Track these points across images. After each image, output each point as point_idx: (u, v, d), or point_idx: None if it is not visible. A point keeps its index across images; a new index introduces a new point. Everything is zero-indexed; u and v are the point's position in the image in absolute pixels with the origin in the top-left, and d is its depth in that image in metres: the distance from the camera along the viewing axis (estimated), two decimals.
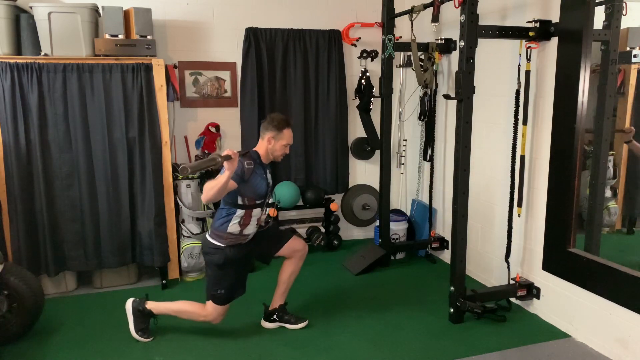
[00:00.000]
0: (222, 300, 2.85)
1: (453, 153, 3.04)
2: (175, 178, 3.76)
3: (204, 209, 3.87)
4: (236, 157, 2.49)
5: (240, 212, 2.77)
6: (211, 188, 2.50)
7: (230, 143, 4.35)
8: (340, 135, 4.58)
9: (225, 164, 2.46)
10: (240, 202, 2.76)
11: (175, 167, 3.85)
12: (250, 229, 2.84)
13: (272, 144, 2.81)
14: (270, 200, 2.94)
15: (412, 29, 3.65)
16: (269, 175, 2.92)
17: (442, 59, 4.10)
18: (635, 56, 2.86)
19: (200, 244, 3.79)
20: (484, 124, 3.61)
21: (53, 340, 2.97)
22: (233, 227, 2.78)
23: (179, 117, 4.17)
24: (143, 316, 2.96)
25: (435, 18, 3.32)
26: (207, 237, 2.84)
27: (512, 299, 3.29)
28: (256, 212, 2.82)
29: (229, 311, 3.05)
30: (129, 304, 2.98)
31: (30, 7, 3.40)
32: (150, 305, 2.96)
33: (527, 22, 2.99)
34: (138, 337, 2.94)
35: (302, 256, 3.06)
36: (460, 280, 3.09)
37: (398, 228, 4.37)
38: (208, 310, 2.88)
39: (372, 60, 4.56)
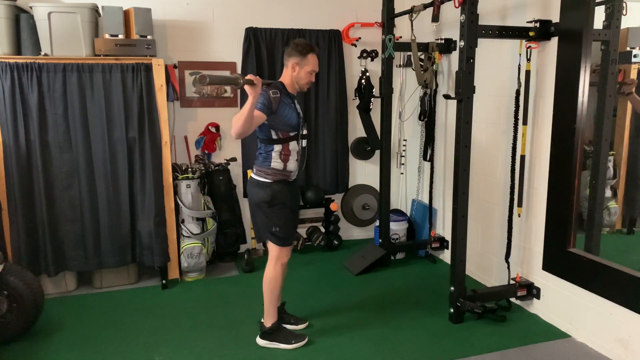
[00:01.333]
0: (281, 239, 2.76)
1: (453, 153, 3.04)
2: (175, 178, 3.76)
3: (204, 209, 3.87)
4: (259, 83, 2.39)
5: (277, 147, 2.68)
6: (238, 119, 2.40)
7: (230, 143, 4.35)
8: (340, 135, 4.58)
9: (247, 88, 2.36)
10: (274, 136, 2.67)
11: (175, 167, 3.85)
12: (292, 165, 2.74)
13: (296, 70, 2.69)
14: (305, 132, 2.80)
15: (412, 29, 3.65)
16: (298, 106, 2.78)
17: (442, 59, 4.10)
18: (635, 56, 2.85)
19: (200, 244, 3.79)
20: (484, 124, 3.61)
21: (53, 340, 2.97)
22: (276, 162, 2.69)
23: (179, 117, 4.17)
24: (275, 331, 2.88)
25: (435, 18, 3.32)
26: (252, 175, 2.76)
27: (512, 299, 3.29)
28: (293, 145, 2.72)
29: (229, 311, 3.06)
30: (260, 341, 2.88)
31: (30, 7, 3.40)
32: (266, 321, 2.89)
33: (527, 22, 2.99)
34: (296, 345, 2.84)
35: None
36: (460, 280, 3.09)
37: (398, 228, 4.37)
38: (275, 256, 2.79)
39: (372, 60, 4.56)
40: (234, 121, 2.42)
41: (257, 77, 2.40)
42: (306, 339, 2.87)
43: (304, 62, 2.69)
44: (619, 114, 2.93)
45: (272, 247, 2.81)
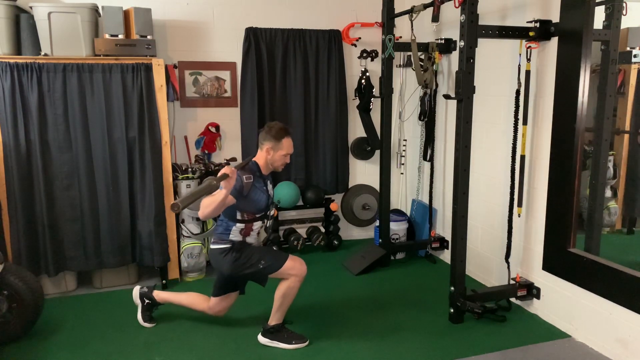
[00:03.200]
0: (276, 264, 2.73)
1: (453, 153, 3.04)
2: (175, 178, 3.76)
3: None
4: (234, 175, 2.44)
5: (240, 226, 2.74)
6: (208, 205, 2.45)
7: (230, 143, 4.35)
8: (340, 135, 4.58)
9: (222, 183, 2.40)
10: (239, 217, 2.72)
11: (175, 167, 3.85)
12: (252, 239, 2.82)
13: (271, 154, 2.74)
14: (271, 213, 2.87)
15: (412, 29, 3.65)
16: (269, 187, 2.85)
17: (442, 59, 4.10)
18: (635, 56, 2.86)
19: (200, 244, 3.79)
20: (484, 124, 3.61)
21: (53, 340, 2.97)
22: (234, 236, 2.76)
23: (179, 117, 4.17)
24: (277, 331, 2.87)
25: (435, 18, 3.32)
26: (212, 247, 2.79)
27: (512, 299, 3.29)
28: (256, 225, 2.80)
29: (229, 311, 3.06)
30: (261, 339, 2.89)
31: (30, 7, 3.40)
32: (271, 320, 2.88)
33: (527, 22, 2.99)
34: (296, 346, 2.84)
35: (227, 308, 3.05)
36: (460, 280, 3.09)
37: (398, 228, 4.37)
38: (288, 276, 2.74)
39: (372, 60, 4.56)
40: (204, 205, 2.47)
41: (232, 168, 2.42)
42: (307, 342, 2.87)
43: (279, 146, 2.73)
44: (619, 114, 2.94)
45: (279, 274, 2.78)
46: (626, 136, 2.99)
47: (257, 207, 2.75)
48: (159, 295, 3.14)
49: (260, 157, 2.77)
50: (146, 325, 3.10)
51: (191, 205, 3.72)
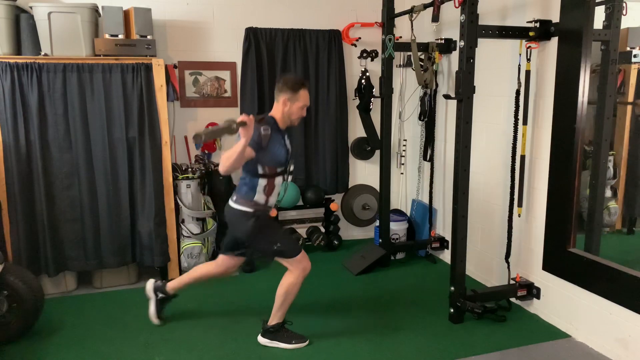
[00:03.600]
0: (289, 251, 2.74)
1: (453, 153, 3.04)
2: (175, 178, 3.76)
3: (204, 209, 3.87)
4: (252, 123, 2.40)
5: (262, 182, 2.68)
6: (228, 157, 2.43)
7: (231, 143, 4.31)
8: (340, 135, 4.58)
9: (240, 130, 2.37)
10: (260, 171, 2.67)
11: (175, 167, 3.85)
12: (272, 199, 2.77)
13: (287, 106, 2.68)
14: (292, 168, 2.83)
15: (412, 29, 3.65)
16: (287, 141, 2.78)
17: (442, 59, 4.10)
18: (635, 56, 2.86)
19: (200, 244, 3.79)
20: (484, 124, 3.61)
21: (53, 340, 2.96)
22: (259, 196, 2.70)
23: (179, 117, 4.17)
24: (277, 331, 2.86)
25: (435, 18, 3.32)
26: (232, 204, 2.74)
27: (512, 299, 3.29)
28: (278, 180, 2.75)
29: (230, 311, 3.06)
30: (261, 339, 2.89)
31: (30, 7, 3.40)
32: (271, 320, 2.88)
33: (527, 22, 2.99)
34: (296, 345, 2.83)
35: (229, 273, 3.07)
36: (460, 280, 3.09)
37: (398, 228, 4.37)
38: (295, 269, 2.74)
39: (372, 60, 4.56)
40: (224, 159, 2.45)
41: (250, 117, 2.40)
42: (307, 342, 2.87)
43: (295, 97, 2.67)
44: (619, 114, 2.93)
45: (287, 262, 2.77)
46: (626, 136, 2.99)
47: (278, 160, 2.69)
48: (170, 285, 3.10)
49: (277, 111, 2.71)
50: (157, 321, 3.07)
51: (191, 205, 3.77)
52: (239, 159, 2.43)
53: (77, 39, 3.44)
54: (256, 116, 2.54)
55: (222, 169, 2.48)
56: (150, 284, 3.12)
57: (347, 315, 3.25)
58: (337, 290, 3.67)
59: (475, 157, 3.28)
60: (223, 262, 2.99)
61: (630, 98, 2.93)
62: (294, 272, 2.76)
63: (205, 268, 3.06)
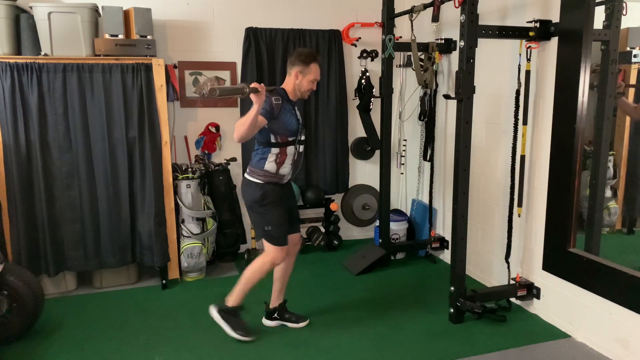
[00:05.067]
0: (274, 238, 2.82)
1: (453, 153, 3.04)
2: (175, 178, 3.76)
3: (204, 209, 3.87)
4: (263, 91, 2.48)
5: (275, 150, 2.76)
6: (242, 124, 2.50)
7: (230, 143, 4.35)
8: (340, 135, 4.58)
9: (252, 97, 2.45)
10: (273, 140, 2.74)
11: (175, 167, 3.85)
12: (286, 169, 2.82)
13: (299, 79, 2.77)
14: (303, 137, 2.89)
15: (412, 29, 3.65)
16: (298, 112, 2.86)
17: (442, 59, 4.10)
18: (635, 56, 2.86)
19: (200, 244, 3.79)
20: (484, 124, 3.61)
21: (53, 340, 2.97)
22: (270, 164, 2.76)
23: (179, 117, 4.17)
24: (231, 314, 2.92)
25: (435, 18, 3.32)
26: (246, 175, 2.84)
27: (512, 299, 3.29)
28: (290, 149, 2.80)
29: None
30: (214, 312, 2.91)
31: (30, 7, 3.40)
32: (230, 300, 2.93)
33: (527, 22, 2.99)
34: (239, 336, 2.88)
35: (295, 252, 3.06)
36: (460, 280, 3.09)
37: (398, 228, 4.37)
38: (267, 252, 2.86)
39: (372, 60, 4.56)
40: (238, 125, 2.51)
41: (262, 84, 2.48)
42: (251, 338, 2.91)
43: (307, 70, 2.77)
44: (619, 114, 2.93)
45: (266, 245, 2.87)
46: (626, 136, 2.99)
47: (289, 129, 2.76)
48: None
49: (289, 83, 2.81)
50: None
51: (191, 205, 3.77)
52: (252, 125, 2.49)
53: (77, 39, 3.44)
54: (268, 87, 2.61)
55: (236, 135, 2.53)
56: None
57: (347, 315, 3.25)
58: (337, 290, 3.67)
59: (475, 157, 3.28)
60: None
61: (631, 98, 2.93)
62: (264, 258, 2.87)
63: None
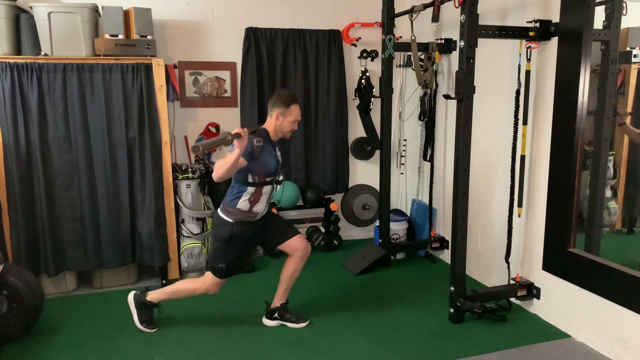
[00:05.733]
0: (221, 274, 2.92)
1: (453, 153, 3.04)
2: (175, 178, 3.76)
3: (204, 209, 3.87)
4: (246, 135, 2.54)
5: (250, 189, 2.80)
6: (222, 166, 2.56)
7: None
8: (340, 135, 4.58)
9: (235, 142, 2.50)
10: (250, 179, 2.79)
11: (175, 167, 3.85)
12: (260, 207, 2.87)
13: (280, 120, 2.83)
14: (281, 178, 2.97)
15: (412, 29, 3.65)
16: (278, 153, 2.92)
17: (442, 59, 4.10)
18: (635, 56, 2.86)
19: (200, 244, 3.79)
20: (484, 124, 3.61)
21: (53, 340, 2.97)
22: (243, 203, 2.81)
23: (179, 117, 4.17)
24: (145, 308, 3.03)
25: (435, 18, 3.32)
26: (218, 211, 2.89)
27: (512, 299, 3.29)
28: (266, 189, 2.86)
29: (230, 310, 3.06)
30: (130, 297, 3.04)
31: (30, 7, 3.40)
32: (151, 295, 3.03)
33: (527, 22, 2.99)
34: (143, 328, 3.01)
35: (302, 257, 3.04)
36: (460, 280, 3.09)
37: (398, 228, 4.37)
38: (205, 280, 2.96)
39: (372, 60, 4.56)
40: (217, 166, 2.58)
41: (244, 129, 2.55)
42: (154, 330, 3.02)
43: (287, 112, 2.83)
44: (618, 138, 2.93)
45: (208, 275, 2.95)
46: (626, 137, 2.99)
47: (268, 170, 2.82)
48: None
49: (270, 124, 2.86)
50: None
51: (191, 205, 3.77)
52: (233, 167, 2.57)
53: (77, 39, 3.44)
54: (250, 128, 2.69)
55: (215, 175, 2.60)
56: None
57: (347, 315, 3.25)
58: (337, 290, 3.67)
59: (475, 157, 3.28)
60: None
61: (631, 98, 2.93)
62: (201, 284, 2.97)
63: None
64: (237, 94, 4.33)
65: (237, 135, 2.50)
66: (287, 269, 3.05)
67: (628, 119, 2.88)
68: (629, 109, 2.92)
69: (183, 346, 2.89)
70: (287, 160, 4.42)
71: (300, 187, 4.46)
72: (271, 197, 2.94)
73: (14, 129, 3.33)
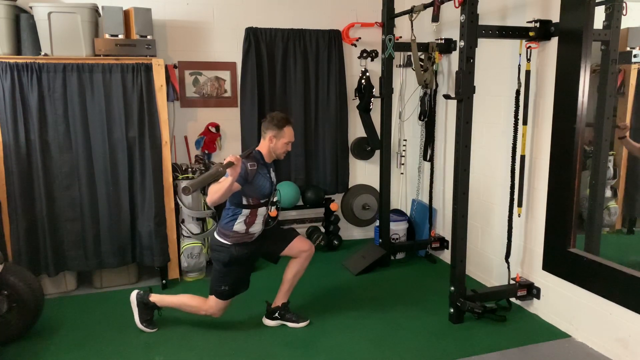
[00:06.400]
0: (225, 296, 2.93)
1: (453, 153, 3.04)
2: (175, 178, 3.76)
3: (204, 209, 3.87)
4: (239, 163, 2.55)
5: (245, 212, 2.82)
6: (215, 192, 2.57)
7: (230, 143, 4.35)
8: (340, 135, 4.58)
9: (228, 170, 2.51)
10: (245, 202, 2.80)
11: (175, 167, 3.85)
12: (256, 228, 2.89)
13: (273, 142, 2.85)
14: (275, 199, 3.01)
15: (412, 29, 3.65)
16: (272, 174, 2.94)
17: (442, 59, 4.10)
18: (635, 56, 2.85)
19: (200, 244, 3.79)
20: (484, 124, 3.61)
21: (53, 340, 2.97)
22: (239, 225, 2.82)
23: (179, 117, 4.17)
24: (147, 308, 3.03)
25: (435, 18, 3.32)
26: (215, 234, 2.91)
27: (512, 299, 3.29)
28: (261, 210, 2.87)
29: (230, 311, 3.06)
30: (133, 295, 3.06)
31: (30, 7, 3.40)
32: (154, 298, 3.03)
33: (527, 22, 2.99)
34: (143, 327, 3.03)
35: (308, 256, 3.06)
36: (460, 280, 3.09)
37: (398, 228, 4.37)
38: (210, 305, 2.95)
39: (372, 60, 4.56)
40: (211, 192, 2.59)
41: (237, 156, 2.55)
42: (154, 330, 3.03)
43: (281, 134, 2.84)
44: (619, 114, 2.93)
45: (212, 298, 2.95)
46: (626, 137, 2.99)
47: (262, 193, 2.83)
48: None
49: (264, 146, 2.88)
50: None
51: (191, 205, 3.77)
52: (227, 192, 2.58)
53: (77, 39, 3.44)
54: (242, 153, 2.71)
55: (209, 200, 2.62)
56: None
57: (347, 315, 3.25)
58: (337, 290, 3.67)
59: (475, 157, 3.29)
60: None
61: (631, 98, 2.93)
62: (205, 306, 2.97)
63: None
64: (237, 94, 4.33)
65: (230, 164, 2.51)
66: (291, 269, 3.05)
67: (628, 133, 2.88)
68: (629, 115, 2.91)
69: (183, 346, 2.89)
70: (287, 160, 4.42)
71: (300, 187, 4.46)
72: (266, 218, 2.95)
73: (14, 129, 3.33)
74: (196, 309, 3.00)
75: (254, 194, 2.80)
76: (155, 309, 3.07)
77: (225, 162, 2.51)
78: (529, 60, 3.07)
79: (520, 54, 3.08)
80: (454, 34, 3.81)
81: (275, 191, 2.97)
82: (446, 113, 4.15)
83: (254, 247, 2.92)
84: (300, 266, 3.05)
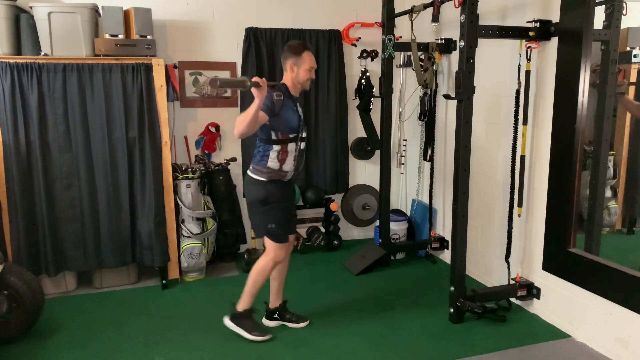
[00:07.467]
0: (276, 236, 2.84)
1: (453, 153, 3.04)
2: (175, 178, 3.76)
3: (204, 209, 3.87)
4: (265, 85, 2.47)
5: (276, 148, 2.76)
6: (242, 121, 2.50)
7: (230, 143, 4.35)
8: (340, 135, 4.58)
9: (253, 91, 2.44)
10: (274, 137, 2.74)
11: (175, 167, 3.85)
12: (288, 166, 2.82)
13: (295, 71, 2.76)
14: (304, 135, 2.89)
15: (412, 29, 3.65)
16: (299, 109, 2.86)
17: (442, 59, 4.10)
18: (635, 56, 2.86)
19: (200, 244, 3.79)
20: (484, 124, 3.61)
21: (53, 340, 2.97)
22: (272, 162, 2.77)
23: (179, 117, 4.17)
24: (244, 318, 2.93)
25: (435, 18, 3.32)
26: (249, 172, 2.84)
27: (512, 299, 3.29)
28: (291, 146, 2.80)
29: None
30: (226, 322, 2.95)
31: (30, 7, 3.40)
32: (240, 305, 2.94)
33: (527, 22, 2.99)
34: (255, 337, 2.90)
35: (289, 251, 3.06)
36: (460, 280, 3.09)
37: (398, 228, 4.37)
38: (268, 251, 2.88)
39: (372, 60, 4.56)
40: (238, 122, 2.51)
41: (263, 79, 2.47)
42: (268, 336, 2.92)
43: (300, 60, 2.75)
44: (619, 114, 2.93)
45: (268, 243, 2.88)
46: (626, 136, 2.99)
47: (290, 126, 2.76)
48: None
49: (287, 78, 2.81)
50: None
51: (191, 205, 3.77)
52: (253, 121, 2.49)
53: (77, 39, 3.44)
54: (269, 82, 2.59)
55: (236, 131, 2.53)
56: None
57: (347, 315, 3.25)
58: (337, 290, 3.67)
59: (475, 157, 3.28)
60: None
61: (631, 98, 2.93)
62: (266, 257, 2.88)
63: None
64: (237, 94, 4.33)
65: (256, 84, 2.41)
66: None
67: (632, 95, 2.84)
68: (628, 115, 2.91)
69: (183, 346, 2.89)
70: None
71: (300, 187, 4.46)
72: (297, 158, 2.85)
73: (14, 129, 3.33)
74: (263, 268, 2.86)
75: (282, 128, 2.72)
76: (251, 313, 2.95)
77: (253, 80, 2.43)
78: (529, 60, 3.07)
79: (520, 54, 3.08)
80: (454, 34, 3.81)
81: (304, 126, 2.89)
82: (446, 113, 4.15)
83: (286, 194, 2.88)
84: (282, 263, 3.02)
